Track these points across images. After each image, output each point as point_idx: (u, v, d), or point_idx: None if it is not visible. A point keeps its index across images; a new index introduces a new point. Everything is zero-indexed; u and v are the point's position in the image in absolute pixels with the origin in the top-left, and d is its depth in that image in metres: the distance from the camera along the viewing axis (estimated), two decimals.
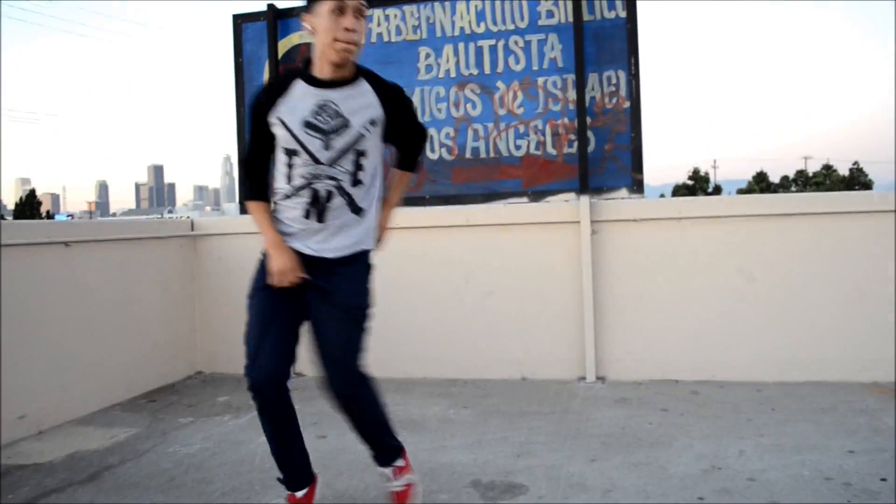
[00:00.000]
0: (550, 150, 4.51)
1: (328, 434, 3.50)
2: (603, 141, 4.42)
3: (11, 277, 3.61)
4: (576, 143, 4.42)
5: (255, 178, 2.37)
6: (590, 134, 4.41)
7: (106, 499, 2.81)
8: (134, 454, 3.32)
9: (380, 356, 4.63)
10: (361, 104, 2.24)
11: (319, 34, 2.17)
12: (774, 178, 56.95)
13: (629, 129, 4.38)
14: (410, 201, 4.72)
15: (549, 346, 4.47)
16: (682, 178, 52.36)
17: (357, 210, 2.30)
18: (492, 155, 4.60)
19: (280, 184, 2.30)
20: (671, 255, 4.27)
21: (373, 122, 2.25)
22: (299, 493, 2.39)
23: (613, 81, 4.41)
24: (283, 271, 2.24)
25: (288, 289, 2.26)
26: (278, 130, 2.23)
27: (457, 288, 4.61)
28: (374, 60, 4.71)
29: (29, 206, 47.56)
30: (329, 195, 2.24)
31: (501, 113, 4.59)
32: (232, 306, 5.02)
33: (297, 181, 2.25)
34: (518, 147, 4.57)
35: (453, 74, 4.65)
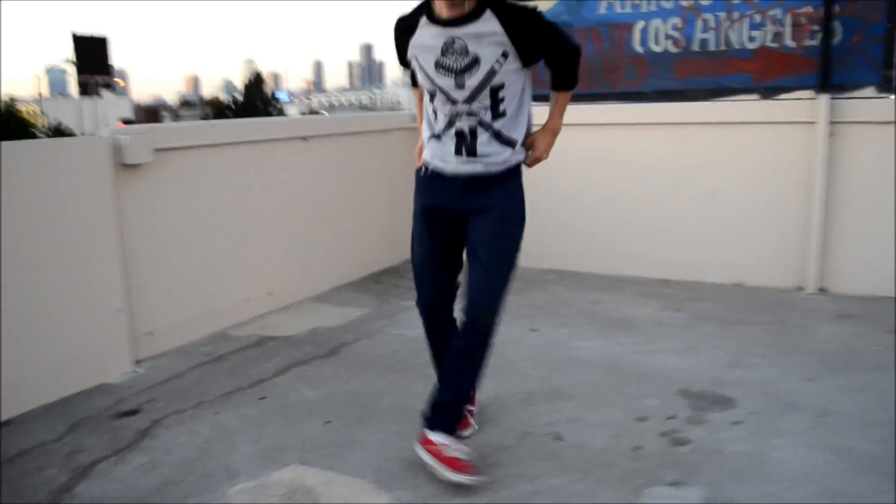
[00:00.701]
0: (789, 41, 4.14)
1: (539, 327, 3.68)
2: (851, 32, 3.98)
3: (263, 169, 4.03)
4: (819, 34, 4.02)
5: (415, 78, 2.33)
6: (836, 24, 3.99)
7: (346, 373, 3.21)
8: (366, 334, 3.71)
9: (591, 252, 4.75)
10: (489, 38, 2.10)
11: None
12: None
13: (884, 18, 3.89)
14: (631, 97, 4.61)
15: (770, 252, 4.28)
16: None
17: (506, 141, 2.24)
18: (721, 47, 4.32)
19: (428, 124, 2.30)
20: None
21: (504, 55, 2.12)
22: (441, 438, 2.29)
23: None
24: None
25: (447, 212, 2.31)
26: (416, 70, 2.22)
27: (674, 187, 4.49)
28: None
29: (256, 87, 51.08)
30: (473, 131, 2.21)
31: (736, 1, 4.25)
32: None
33: (441, 121, 2.23)
34: (752, 38, 4.24)
35: None
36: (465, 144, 2.23)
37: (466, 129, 2.21)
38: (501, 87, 2.16)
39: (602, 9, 4.62)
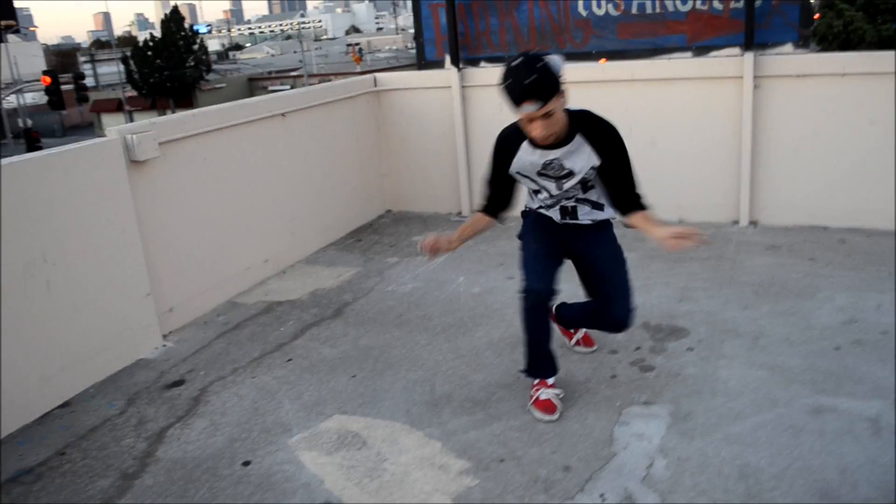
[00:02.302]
0: (717, 5, 4.64)
1: (514, 275, 4.20)
2: None
3: (249, 148, 4.37)
4: None
5: (491, 198, 2.84)
6: None
7: (355, 331, 3.69)
8: (362, 292, 4.18)
9: None
10: (582, 157, 2.63)
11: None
12: None
13: None
14: (577, 56, 5.05)
15: (707, 192, 4.88)
16: None
17: (598, 206, 2.77)
18: (657, 10, 4.79)
19: (535, 201, 2.83)
20: (832, 110, 4.45)
21: (593, 168, 2.65)
22: (550, 380, 2.85)
23: None
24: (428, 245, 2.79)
25: (557, 238, 2.82)
26: (520, 179, 2.74)
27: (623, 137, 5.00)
28: None
29: (174, 22, 49.09)
30: (574, 206, 2.75)
31: None
32: (412, 152, 5.70)
33: (547, 201, 2.76)
34: (684, 2, 4.72)
35: None
36: (569, 214, 2.78)
37: (569, 206, 2.76)
38: (589, 182, 2.71)
39: None
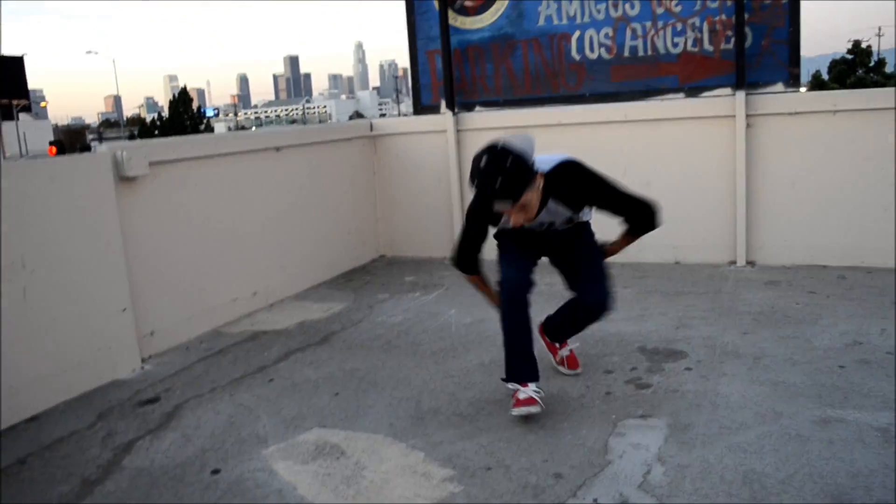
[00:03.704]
0: (707, 46, 4.69)
1: None
2: (760, 36, 4.55)
3: (242, 179, 4.34)
4: (733, 39, 4.58)
5: (469, 256, 2.81)
6: (747, 29, 4.55)
7: (341, 356, 3.55)
8: (351, 322, 4.06)
9: None
10: (557, 214, 2.71)
11: None
12: None
13: (787, 23, 4.48)
14: (572, 99, 5.09)
15: (702, 232, 4.81)
16: (841, 47, 48.08)
17: (577, 219, 2.81)
18: (649, 53, 4.84)
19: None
20: (825, 146, 4.44)
21: (570, 219, 2.76)
22: (533, 385, 2.70)
23: None
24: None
25: (534, 242, 2.82)
26: (503, 224, 2.76)
27: (616, 178, 4.97)
28: None
29: (182, 104, 50.33)
30: (551, 226, 2.80)
31: (659, 11, 4.78)
32: (407, 197, 5.68)
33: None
34: (675, 44, 4.78)
35: None
36: (548, 227, 2.80)
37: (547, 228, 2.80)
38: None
39: (541, 21, 5.10)
